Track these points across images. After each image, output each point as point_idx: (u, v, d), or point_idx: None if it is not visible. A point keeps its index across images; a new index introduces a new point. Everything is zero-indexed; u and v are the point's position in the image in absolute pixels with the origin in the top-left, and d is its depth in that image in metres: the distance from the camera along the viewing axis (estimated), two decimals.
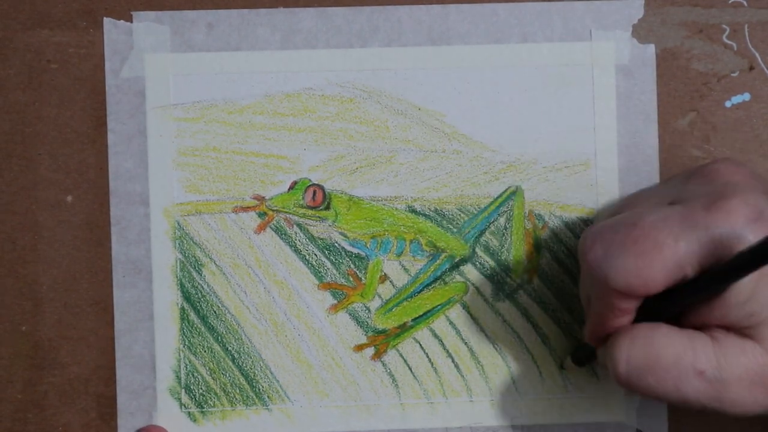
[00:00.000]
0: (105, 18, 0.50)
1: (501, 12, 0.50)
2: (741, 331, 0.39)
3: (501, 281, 0.50)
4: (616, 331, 0.42)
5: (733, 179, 0.41)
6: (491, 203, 0.50)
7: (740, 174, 0.41)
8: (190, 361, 0.49)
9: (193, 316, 0.49)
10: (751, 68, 0.50)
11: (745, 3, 0.50)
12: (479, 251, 0.50)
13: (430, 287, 0.50)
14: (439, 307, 0.50)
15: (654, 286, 0.39)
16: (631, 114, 0.50)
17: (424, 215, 0.50)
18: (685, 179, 0.42)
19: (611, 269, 0.39)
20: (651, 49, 0.50)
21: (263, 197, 0.50)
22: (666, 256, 0.38)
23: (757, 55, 0.50)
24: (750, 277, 0.38)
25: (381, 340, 0.50)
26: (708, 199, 0.39)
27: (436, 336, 0.50)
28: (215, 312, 0.49)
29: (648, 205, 0.42)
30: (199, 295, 0.49)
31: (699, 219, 0.38)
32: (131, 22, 0.50)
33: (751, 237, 0.37)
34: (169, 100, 0.49)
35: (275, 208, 0.50)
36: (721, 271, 0.37)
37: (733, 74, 0.50)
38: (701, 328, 0.40)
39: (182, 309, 0.49)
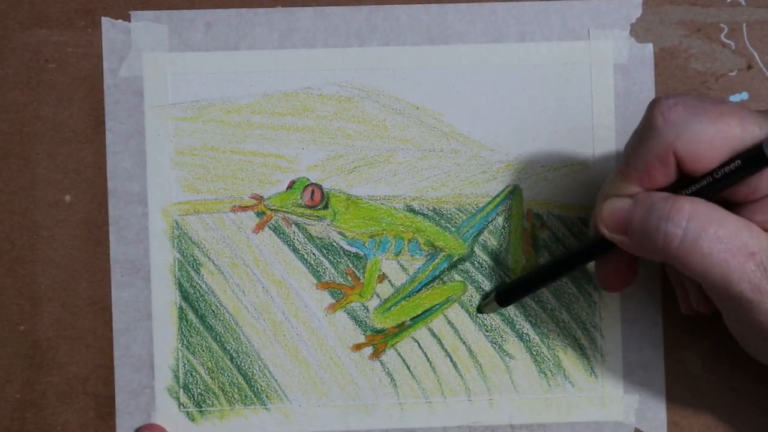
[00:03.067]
0: (103, 17, 0.50)
1: (499, 11, 0.50)
2: None
3: (499, 280, 0.50)
4: (618, 197, 0.42)
5: None
6: (489, 202, 0.50)
7: None
8: (188, 361, 0.49)
9: (191, 315, 0.49)
10: (749, 67, 0.50)
11: (743, 2, 0.50)
12: (478, 250, 0.50)
13: (428, 286, 0.50)
14: (437, 306, 0.50)
15: (711, 164, 0.40)
16: (629, 113, 0.50)
17: (423, 214, 0.50)
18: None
19: (687, 130, 0.40)
20: (649, 48, 0.50)
21: (261, 196, 0.50)
22: (744, 137, 0.39)
23: (755, 54, 0.50)
24: None
25: (379, 340, 0.50)
26: None
27: (434, 335, 0.50)
28: (213, 311, 0.49)
29: (731, 102, 0.43)
30: (198, 294, 0.49)
31: None
32: (129, 21, 0.50)
33: None
34: (168, 99, 0.49)
35: (273, 208, 0.50)
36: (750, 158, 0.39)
37: (731, 73, 0.50)
38: None
39: (180, 308, 0.49)
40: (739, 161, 0.38)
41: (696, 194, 0.41)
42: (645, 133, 0.41)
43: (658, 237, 0.41)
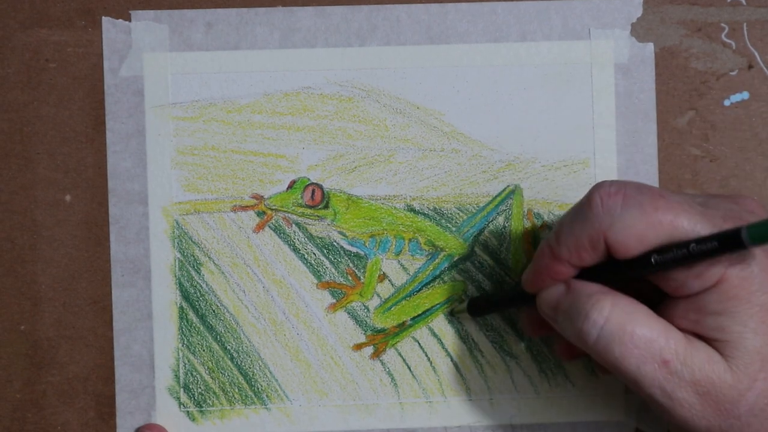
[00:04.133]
0: (104, 17, 0.50)
1: (500, 11, 0.50)
2: (712, 343, 0.40)
3: (500, 280, 0.50)
4: (551, 279, 0.42)
5: (757, 212, 0.42)
6: (490, 202, 0.50)
7: (762, 212, 0.42)
8: (189, 361, 0.49)
9: (191, 315, 0.49)
10: (750, 67, 0.50)
11: (743, 2, 0.50)
12: (478, 250, 0.50)
13: (429, 286, 0.50)
14: (438, 306, 0.50)
15: (636, 253, 0.40)
16: (630, 112, 0.50)
17: (423, 214, 0.50)
18: (712, 196, 0.43)
19: (620, 221, 0.40)
20: (650, 47, 0.50)
21: (262, 196, 0.50)
22: (675, 236, 0.39)
23: (755, 53, 0.50)
24: (723, 291, 0.39)
25: (380, 339, 0.50)
26: (731, 214, 0.40)
27: (435, 335, 0.50)
28: (214, 311, 0.49)
29: (675, 194, 0.42)
30: (198, 294, 0.49)
31: (717, 223, 0.39)
32: (130, 21, 0.49)
33: (752, 261, 0.39)
34: (168, 99, 0.49)
35: (274, 207, 0.50)
36: (676, 252, 0.39)
37: (731, 73, 0.50)
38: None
39: (181, 308, 0.49)
40: (716, 242, 0.38)
41: (659, 264, 0.40)
42: (581, 214, 0.41)
43: (574, 332, 0.41)
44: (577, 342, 0.41)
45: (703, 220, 0.39)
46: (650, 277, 0.41)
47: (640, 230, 0.39)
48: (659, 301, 0.41)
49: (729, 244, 0.37)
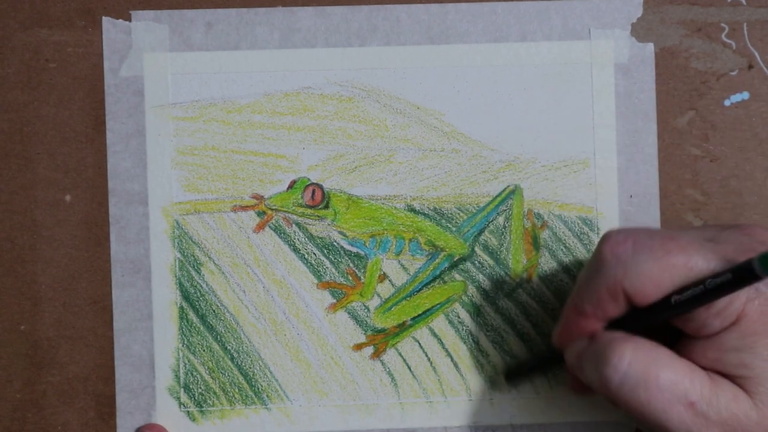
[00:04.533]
0: (104, 17, 0.50)
1: (500, 11, 0.50)
2: (734, 380, 0.40)
3: (500, 280, 0.50)
4: (581, 335, 0.42)
5: None
6: (490, 202, 0.50)
7: None
8: (189, 361, 0.49)
9: (192, 315, 0.49)
10: (750, 67, 0.50)
11: (743, 2, 0.50)
12: (478, 250, 0.50)
13: (429, 286, 0.50)
14: (438, 306, 0.50)
15: (655, 298, 0.40)
16: (630, 113, 0.50)
17: (423, 214, 0.50)
18: (721, 228, 0.43)
19: (633, 267, 0.40)
20: (650, 47, 0.50)
21: (262, 196, 0.50)
22: (690, 276, 0.39)
23: (756, 53, 0.50)
24: (744, 327, 0.39)
25: (380, 339, 0.50)
26: (743, 247, 0.40)
27: (435, 335, 0.50)
28: (214, 311, 0.49)
29: (685, 233, 0.42)
30: (198, 294, 0.49)
31: (730, 258, 0.39)
32: (130, 21, 0.49)
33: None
34: (168, 99, 0.49)
35: (274, 207, 0.50)
36: (697, 292, 0.39)
37: (732, 73, 0.50)
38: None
39: (181, 308, 0.49)
40: (730, 274, 0.38)
41: (676, 306, 0.40)
42: (595, 268, 0.41)
43: (595, 379, 0.41)
44: (601, 390, 0.41)
45: (716, 258, 0.39)
46: (673, 321, 0.41)
47: (654, 275, 0.39)
48: (677, 342, 0.41)
49: (743, 276, 0.37)
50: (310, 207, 0.50)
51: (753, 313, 0.39)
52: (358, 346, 0.50)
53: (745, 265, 0.37)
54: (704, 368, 0.40)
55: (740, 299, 0.38)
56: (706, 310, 0.39)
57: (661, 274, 0.39)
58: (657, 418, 0.40)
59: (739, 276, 0.37)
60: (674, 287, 0.39)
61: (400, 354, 0.50)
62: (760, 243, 0.41)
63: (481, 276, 0.50)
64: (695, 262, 0.39)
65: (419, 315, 0.50)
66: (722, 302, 0.38)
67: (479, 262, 0.50)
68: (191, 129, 0.50)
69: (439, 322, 0.50)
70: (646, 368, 0.40)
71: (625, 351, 0.40)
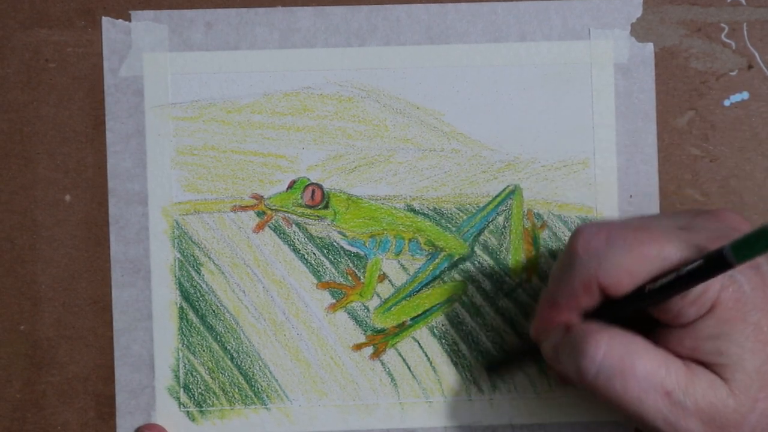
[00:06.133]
0: (103, 17, 0.50)
1: (500, 11, 0.50)
2: (711, 367, 0.40)
3: (500, 280, 0.50)
4: (557, 326, 0.42)
5: (740, 228, 0.41)
6: (490, 202, 0.50)
7: (745, 227, 0.42)
8: (188, 361, 0.49)
9: (191, 315, 0.49)
10: (750, 67, 0.50)
11: (743, 2, 0.50)
12: (478, 250, 0.50)
13: (428, 286, 0.50)
14: (438, 306, 0.50)
15: (630, 288, 0.40)
16: (629, 113, 0.50)
17: (423, 214, 0.50)
18: (694, 215, 0.43)
19: (607, 260, 0.40)
20: (650, 47, 0.50)
21: (262, 196, 0.50)
22: (664, 266, 0.39)
23: (755, 53, 0.50)
24: (719, 314, 0.39)
25: (380, 339, 0.50)
26: (715, 234, 0.40)
27: (434, 335, 0.50)
28: (214, 311, 0.49)
29: (657, 221, 0.42)
30: (198, 294, 0.49)
31: (702, 246, 0.39)
32: (130, 21, 0.50)
33: (743, 282, 0.39)
34: (168, 99, 0.49)
35: (274, 207, 0.50)
36: (673, 279, 0.39)
37: (731, 73, 0.50)
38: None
39: (181, 308, 0.49)
40: (702, 262, 0.38)
41: (650, 295, 0.40)
42: (568, 262, 0.41)
43: (573, 370, 0.41)
44: (579, 381, 0.41)
45: (688, 247, 0.39)
46: (649, 311, 0.41)
47: (628, 267, 0.39)
48: (654, 332, 0.41)
49: (715, 264, 0.37)
50: (310, 207, 0.50)
51: (727, 300, 0.39)
52: (358, 346, 0.50)
53: (717, 253, 0.37)
54: (681, 357, 0.40)
55: (715, 287, 0.38)
56: (681, 299, 0.39)
57: (634, 265, 0.39)
58: (633, 408, 0.40)
59: (712, 264, 0.37)
60: (649, 278, 0.39)
61: (399, 354, 0.50)
62: (732, 229, 0.41)
63: (480, 276, 0.50)
64: (668, 252, 0.39)
65: (419, 315, 0.50)
66: (697, 290, 0.38)
67: (479, 262, 0.50)
68: (191, 129, 0.50)
69: (439, 322, 0.50)
70: (621, 358, 0.40)
71: (601, 341, 0.40)
